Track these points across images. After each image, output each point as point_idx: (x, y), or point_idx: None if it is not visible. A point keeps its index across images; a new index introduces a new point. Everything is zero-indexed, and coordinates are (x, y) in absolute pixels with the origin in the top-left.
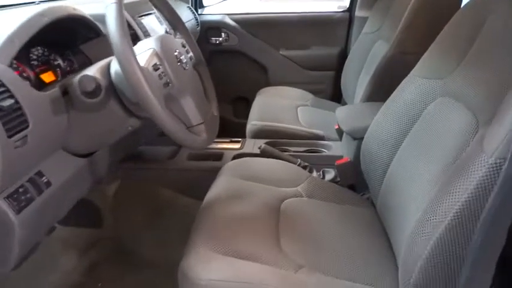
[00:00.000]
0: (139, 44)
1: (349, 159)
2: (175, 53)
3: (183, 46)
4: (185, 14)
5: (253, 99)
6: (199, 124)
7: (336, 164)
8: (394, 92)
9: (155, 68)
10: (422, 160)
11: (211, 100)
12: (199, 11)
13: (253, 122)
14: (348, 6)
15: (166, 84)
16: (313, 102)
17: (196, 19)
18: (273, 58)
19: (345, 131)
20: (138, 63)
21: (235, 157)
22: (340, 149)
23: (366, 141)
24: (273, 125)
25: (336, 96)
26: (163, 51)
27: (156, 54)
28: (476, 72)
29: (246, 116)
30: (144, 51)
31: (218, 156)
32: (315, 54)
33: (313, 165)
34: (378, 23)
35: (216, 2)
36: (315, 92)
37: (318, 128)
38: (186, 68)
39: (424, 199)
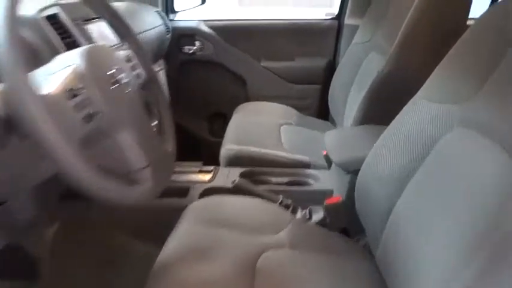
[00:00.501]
0: (57, 59)
1: (341, 199)
2: (111, 71)
3: (128, 60)
4: (153, 19)
5: (231, 116)
6: (142, 168)
7: (325, 203)
8: (397, 117)
9: (71, 94)
10: (442, 212)
11: (166, 131)
12: (171, 16)
13: (229, 146)
14: (336, 13)
15: (89, 117)
16: (298, 120)
17: (167, 25)
18: (253, 70)
19: (336, 163)
20: (32, 90)
21: (204, 193)
22: (329, 181)
23: (361, 176)
24: (251, 151)
25: (323, 112)
26: (91, 69)
27: (77, 73)
28: (504, 100)
29: (224, 135)
30: (60, 70)
31: (183, 191)
32: (300, 66)
33: (298, 202)
34: (370, 32)
35: (189, 7)
36: (299, 108)
37: (303, 152)
38: (128, 90)
39: (455, 272)
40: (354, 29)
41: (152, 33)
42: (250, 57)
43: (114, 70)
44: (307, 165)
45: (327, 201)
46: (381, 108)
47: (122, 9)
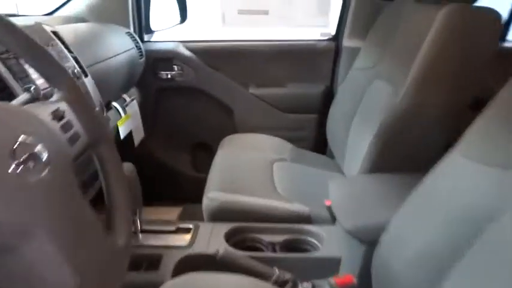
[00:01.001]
0: None
1: (353, 281)
2: (14, 145)
3: (57, 117)
4: (122, 42)
5: (216, 147)
6: None
7: (333, 284)
8: (430, 178)
9: None
10: None
11: (117, 219)
12: (146, 37)
13: (212, 194)
14: (333, 34)
15: None
16: (293, 155)
17: (139, 48)
18: (241, 98)
19: (347, 230)
20: None
21: (180, 263)
22: (335, 243)
23: (381, 252)
24: (238, 202)
25: (320, 145)
26: None
27: None
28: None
29: (209, 169)
30: None
31: (154, 261)
32: (293, 93)
33: (298, 273)
34: (374, 56)
35: (167, 26)
36: (293, 140)
37: (301, 198)
38: (44, 172)
39: None
40: (354, 52)
41: (121, 59)
42: (236, 83)
43: (20, 141)
44: (307, 219)
45: (337, 282)
46: (396, 152)
47: (82, 32)
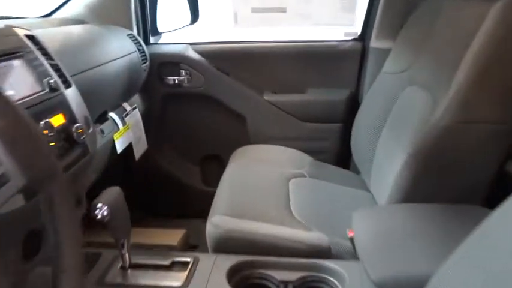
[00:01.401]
0: None
1: None
2: None
3: None
4: (122, 46)
5: (228, 159)
6: None
7: None
8: (497, 216)
9: None
10: None
11: (62, 285)
12: (153, 39)
13: (216, 218)
14: (359, 33)
15: None
16: (313, 170)
17: (142, 52)
18: (254, 105)
19: (373, 281)
20: None
21: None
22: (359, 282)
23: None
24: (246, 230)
25: (344, 158)
26: None
27: None
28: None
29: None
30: None
31: None
32: (314, 100)
33: None
34: (406, 59)
35: (176, 27)
36: (313, 153)
37: (321, 225)
38: None
39: None
40: (384, 53)
41: (119, 64)
42: (250, 89)
43: None
44: (327, 252)
45: None
46: (436, 178)
47: (74, 35)
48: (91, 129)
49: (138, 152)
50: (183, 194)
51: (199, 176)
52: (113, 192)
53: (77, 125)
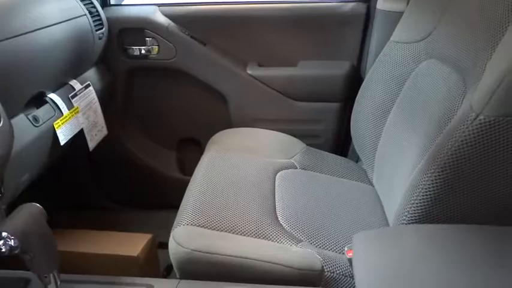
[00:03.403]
0: None
1: None
2: None
3: None
4: (65, 7)
5: (207, 143)
6: None
7: None
8: None
9: None
10: None
11: None
12: (114, 0)
13: (179, 230)
14: None
15: None
16: (305, 159)
17: (97, 15)
18: (237, 81)
19: None
20: None
21: None
22: None
23: None
24: (215, 251)
25: (342, 145)
26: None
27: None
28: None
29: None
30: None
31: None
32: (308, 75)
33: None
34: (424, 25)
35: None
36: (306, 138)
37: (312, 236)
38: None
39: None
40: (393, 18)
41: (59, 31)
42: (231, 61)
43: None
44: (317, 276)
45: None
46: (465, 187)
47: None
48: (1, 122)
49: (92, 140)
50: (158, 183)
51: (175, 163)
52: (32, 208)
53: None
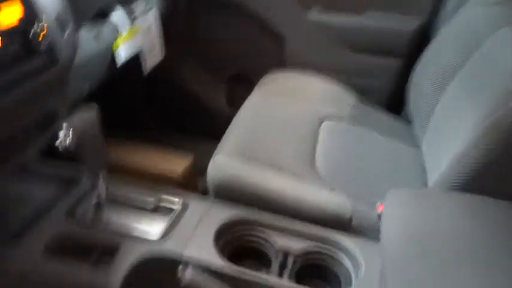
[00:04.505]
0: None
1: None
2: None
3: None
4: None
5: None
6: None
7: None
8: None
9: None
10: None
11: None
12: None
13: (220, 158)
14: None
15: None
16: (355, 113)
17: None
18: (297, 23)
19: None
20: None
21: (137, 267)
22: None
23: None
24: (251, 179)
25: (397, 103)
26: None
27: None
28: None
29: None
30: None
31: (106, 255)
32: (373, 27)
33: None
34: None
35: None
36: (361, 90)
37: (346, 186)
38: None
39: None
40: None
41: None
42: (294, 4)
43: None
44: (345, 223)
45: None
46: None
47: None
48: (67, 33)
49: (148, 63)
50: (205, 114)
51: (224, 96)
52: (83, 113)
53: (40, 24)
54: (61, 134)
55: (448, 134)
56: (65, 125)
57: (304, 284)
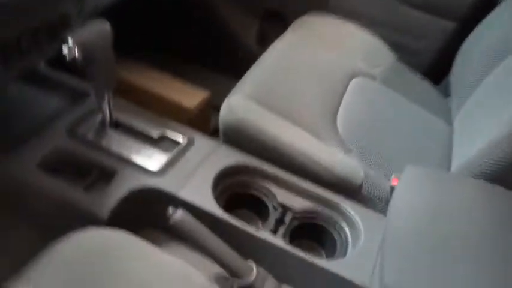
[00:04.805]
0: None
1: None
2: None
3: None
4: None
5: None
6: None
7: None
8: None
9: None
10: None
11: None
12: None
13: (235, 98)
14: None
15: None
16: (388, 74)
17: None
18: None
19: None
20: None
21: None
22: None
23: None
24: (263, 128)
25: (438, 72)
26: None
27: None
28: None
29: None
30: None
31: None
32: None
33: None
34: None
35: None
36: (402, 51)
37: (363, 150)
38: None
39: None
40: None
41: None
42: None
43: None
44: (354, 189)
45: None
46: None
47: None
48: None
49: None
50: (231, 48)
51: (254, 33)
52: (95, 26)
53: None
54: (70, 42)
55: (486, 119)
56: (75, 34)
57: (299, 245)
